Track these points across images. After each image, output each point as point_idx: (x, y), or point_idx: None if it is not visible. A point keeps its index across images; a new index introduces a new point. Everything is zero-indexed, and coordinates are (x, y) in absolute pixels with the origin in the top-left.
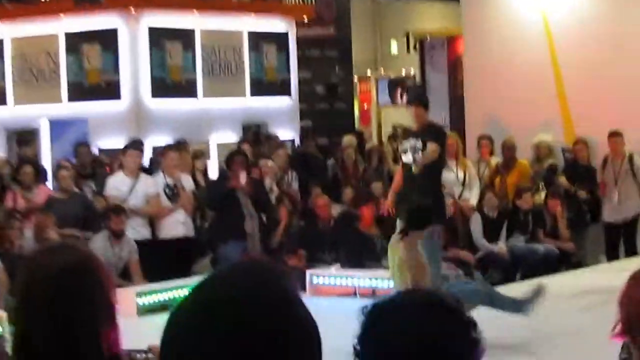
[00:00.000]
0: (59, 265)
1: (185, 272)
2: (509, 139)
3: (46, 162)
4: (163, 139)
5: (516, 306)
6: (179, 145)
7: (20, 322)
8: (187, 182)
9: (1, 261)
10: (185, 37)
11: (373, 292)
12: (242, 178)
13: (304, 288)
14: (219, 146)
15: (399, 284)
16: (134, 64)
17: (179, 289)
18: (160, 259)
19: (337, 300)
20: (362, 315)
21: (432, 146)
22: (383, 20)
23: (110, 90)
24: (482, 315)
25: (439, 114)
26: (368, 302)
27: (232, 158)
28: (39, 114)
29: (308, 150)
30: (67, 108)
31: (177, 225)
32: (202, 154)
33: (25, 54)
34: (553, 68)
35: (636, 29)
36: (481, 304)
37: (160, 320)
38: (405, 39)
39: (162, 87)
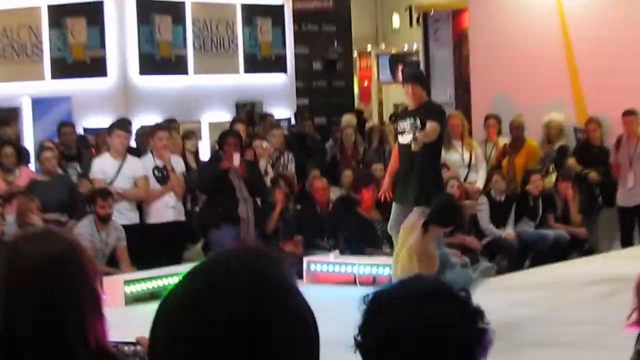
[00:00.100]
0: (42, 254)
1: (175, 259)
2: (517, 119)
3: (28, 143)
4: (152, 119)
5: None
6: (168, 125)
7: (2, 312)
8: (178, 163)
9: None
10: (175, 10)
11: (374, 280)
12: (236, 159)
13: (300, 276)
14: (211, 126)
15: (401, 271)
16: (121, 39)
17: (168, 277)
18: (149, 245)
19: (336, 289)
20: (363, 304)
21: (432, 124)
22: None
23: (96, 67)
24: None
25: (443, 92)
26: (369, 290)
27: (224, 138)
28: (20, 92)
29: (305, 130)
30: (50, 86)
31: (166, 209)
32: (193, 134)
33: (6, 28)
34: (564, 43)
35: None
36: None
37: (149, 309)
38: (407, 12)
39: (151, 63)
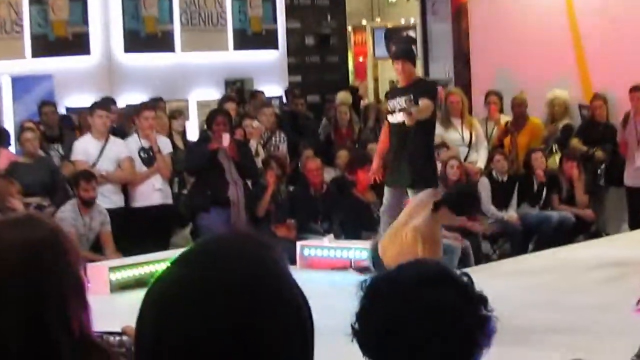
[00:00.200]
0: (23, 240)
1: (162, 244)
2: (519, 95)
3: (8, 123)
4: (137, 97)
5: None
6: (154, 104)
7: None
8: (165, 144)
9: None
10: None
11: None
12: (225, 140)
13: (294, 261)
14: (199, 104)
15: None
16: (105, 15)
17: (155, 264)
18: (135, 230)
19: (331, 275)
20: (361, 290)
21: (425, 102)
22: None
23: (79, 44)
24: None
25: (441, 68)
26: (367, 276)
27: (213, 118)
28: (0, 71)
29: (297, 109)
30: (30, 64)
31: (153, 192)
32: (181, 114)
33: None
34: (568, 14)
35: None
36: None
37: (135, 298)
38: None
39: (136, 40)
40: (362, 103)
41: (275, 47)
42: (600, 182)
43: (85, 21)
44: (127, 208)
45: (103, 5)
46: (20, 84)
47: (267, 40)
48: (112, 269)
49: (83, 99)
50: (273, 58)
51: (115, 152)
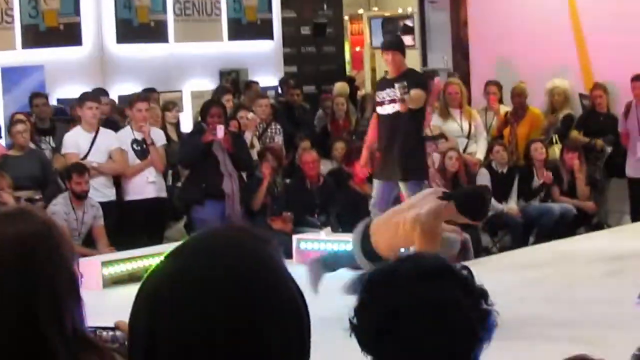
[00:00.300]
0: (15, 234)
1: (156, 238)
2: (519, 85)
3: None
4: (130, 89)
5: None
6: (147, 95)
7: None
8: (158, 136)
9: None
10: None
11: None
12: (219, 131)
13: (290, 255)
14: (193, 95)
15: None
16: (97, 5)
17: (149, 258)
18: (129, 224)
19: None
20: (359, 284)
21: (418, 92)
22: None
23: (70, 35)
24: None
25: (440, 58)
26: (365, 269)
27: (207, 109)
28: None
29: (293, 100)
30: (21, 55)
31: (146, 185)
32: (174, 105)
33: None
34: (569, 5)
35: None
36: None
37: (129, 292)
38: None
39: (129, 30)
40: (359, 94)
41: (271, 37)
42: (603, 174)
43: (76, 11)
44: (120, 201)
45: None
46: (11, 75)
47: (262, 30)
48: (105, 263)
49: (75, 91)
50: (268, 48)
51: (106, 143)
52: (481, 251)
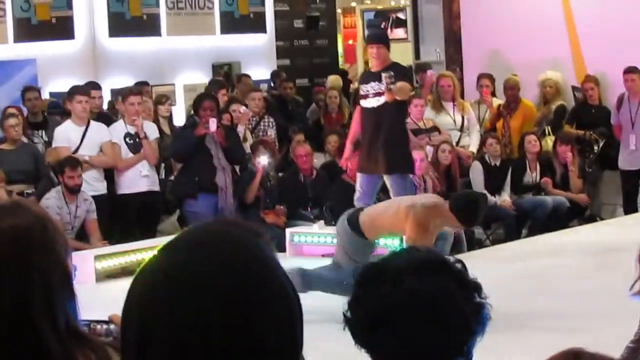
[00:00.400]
0: (9, 228)
1: (149, 232)
2: (511, 78)
3: None
4: (122, 82)
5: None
6: (139, 89)
7: None
8: (151, 130)
9: None
10: None
11: None
12: (212, 125)
13: (283, 248)
14: (186, 89)
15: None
16: None
17: (142, 251)
18: (122, 217)
19: (321, 262)
20: (353, 277)
21: (404, 84)
22: None
23: (62, 28)
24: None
25: (433, 50)
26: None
27: (200, 102)
28: None
29: (286, 93)
30: (13, 48)
31: (139, 178)
32: (167, 99)
33: None
34: None
35: None
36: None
37: (122, 286)
38: None
39: (121, 24)
40: (352, 87)
41: (264, 30)
42: (595, 166)
43: (69, 5)
44: (112, 195)
45: None
46: (3, 69)
47: (255, 24)
48: (98, 257)
49: (67, 84)
50: (261, 41)
51: (97, 137)
52: (474, 244)
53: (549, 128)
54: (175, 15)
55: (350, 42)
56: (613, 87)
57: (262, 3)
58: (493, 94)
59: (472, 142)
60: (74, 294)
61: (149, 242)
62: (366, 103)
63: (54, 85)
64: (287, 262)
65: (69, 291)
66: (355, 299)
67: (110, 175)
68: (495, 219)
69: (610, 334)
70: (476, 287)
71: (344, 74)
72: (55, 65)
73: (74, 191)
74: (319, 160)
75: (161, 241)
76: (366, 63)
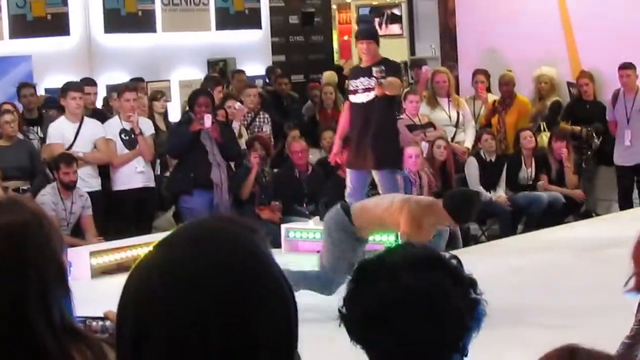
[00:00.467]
0: (5, 224)
1: (145, 228)
2: (506, 74)
3: None
4: (118, 78)
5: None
6: (134, 85)
7: None
8: (147, 126)
9: None
10: None
11: None
12: (207, 121)
13: (278, 244)
14: (181, 85)
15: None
16: None
17: (137, 248)
18: (117, 214)
19: (317, 258)
20: (349, 274)
21: (395, 79)
22: None
23: (58, 25)
24: (483, 274)
25: (428, 47)
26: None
27: (195, 98)
28: None
29: (281, 89)
30: (8, 45)
31: (135, 174)
32: (162, 95)
33: None
34: None
35: None
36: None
37: (117, 282)
38: None
39: (116, 20)
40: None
41: (259, 26)
42: (591, 162)
43: (64, 1)
44: (106, 191)
45: None
46: None
47: (250, 20)
48: (94, 253)
49: (62, 81)
50: (256, 38)
51: (91, 133)
52: (470, 240)
53: (544, 124)
54: (170, 11)
55: (346, 37)
56: (608, 83)
57: None
58: (488, 90)
59: (467, 138)
60: (69, 291)
61: (144, 238)
62: (355, 98)
63: (50, 81)
64: (283, 258)
65: (64, 288)
66: (351, 296)
67: (104, 171)
68: (490, 215)
69: (605, 329)
70: (472, 283)
71: (339, 69)
72: (51, 62)
73: (69, 187)
74: (314, 156)
75: (157, 237)
76: (361, 59)
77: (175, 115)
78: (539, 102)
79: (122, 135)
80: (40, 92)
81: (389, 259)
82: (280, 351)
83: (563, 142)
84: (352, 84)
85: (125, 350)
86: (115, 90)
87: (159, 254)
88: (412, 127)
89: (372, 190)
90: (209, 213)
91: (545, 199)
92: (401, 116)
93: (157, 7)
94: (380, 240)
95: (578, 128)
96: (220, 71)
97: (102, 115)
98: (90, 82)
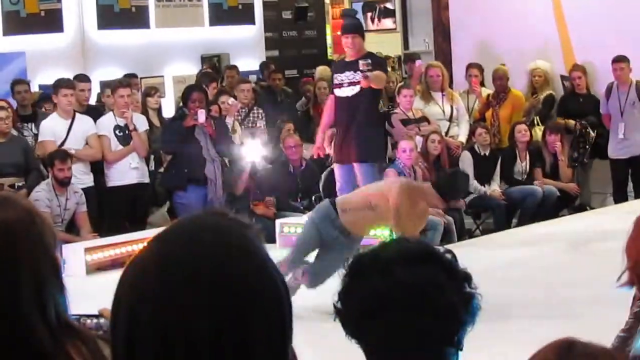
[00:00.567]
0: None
1: (139, 224)
2: (500, 68)
3: None
4: (112, 74)
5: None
6: (128, 81)
7: None
8: (140, 122)
9: None
10: None
11: None
12: (201, 116)
13: (273, 239)
14: (175, 80)
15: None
16: None
17: (132, 244)
18: (112, 210)
19: (312, 253)
20: (344, 268)
21: (380, 73)
22: None
23: (51, 21)
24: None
25: (421, 41)
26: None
27: (189, 94)
28: None
29: (275, 84)
30: (2, 42)
31: (129, 170)
32: (156, 91)
33: None
34: None
35: None
36: None
37: (112, 279)
38: None
39: (110, 16)
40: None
41: (252, 21)
42: (585, 155)
43: None
44: (99, 187)
45: None
46: None
47: (243, 15)
48: (88, 249)
49: (56, 77)
50: (250, 33)
51: (82, 130)
52: (464, 234)
53: (537, 118)
54: (164, 7)
55: (339, 32)
56: (602, 76)
57: None
58: (482, 84)
59: (461, 132)
60: (63, 287)
61: (138, 234)
62: (340, 92)
63: (44, 77)
64: (277, 253)
65: (59, 284)
66: (346, 290)
67: (96, 167)
68: (485, 209)
69: (601, 323)
70: (466, 277)
71: (333, 64)
72: (45, 58)
73: (63, 184)
74: (308, 151)
75: (151, 233)
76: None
77: (169, 111)
78: (532, 97)
79: (116, 132)
80: (34, 88)
81: (384, 254)
82: (274, 346)
83: (557, 135)
84: (337, 78)
85: (120, 346)
86: (109, 86)
87: (154, 249)
88: (406, 122)
89: None
90: (203, 208)
91: (540, 192)
92: (395, 110)
93: (151, 3)
94: (375, 235)
95: (572, 122)
96: (214, 67)
97: (96, 112)
98: (84, 78)
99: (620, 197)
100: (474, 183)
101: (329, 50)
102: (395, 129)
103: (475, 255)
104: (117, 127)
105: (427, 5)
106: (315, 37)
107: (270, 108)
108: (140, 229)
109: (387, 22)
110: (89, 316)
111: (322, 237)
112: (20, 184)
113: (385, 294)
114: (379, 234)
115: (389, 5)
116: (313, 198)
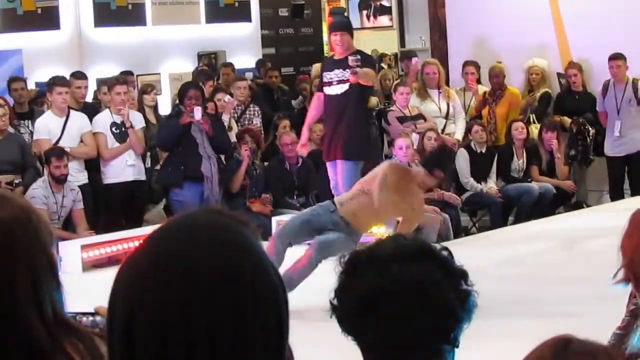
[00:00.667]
0: None
1: (135, 221)
2: (496, 66)
3: None
4: (108, 72)
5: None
6: (124, 78)
7: None
8: (137, 119)
9: None
10: None
11: None
12: (197, 113)
13: (269, 237)
14: (171, 78)
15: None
16: None
17: (128, 241)
18: (108, 207)
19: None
20: (340, 266)
21: (370, 70)
22: None
23: (48, 19)
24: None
25: (418, 38)
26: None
27: (185, 91)
28: None
29: (272, 82)
30: None
31: (125, 167)
32: (152, 88)
33: None
34: None
35: None
36: None
37: (108, 276)
38: None
39: (106, 13)
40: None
41: (249, 19)
42: (580, 153)
43: None
44: (96, 185)
45: None
46: None
47: (240, 13)
48: (85, 247)
49: (53, 74)
50: (246, 30)
51: (77, 127)
52: (460, 231)
53: (534, 116)
54: (160, 4)
55: (328, 30)
56: (598, 74)
57: None
58: (478, 82)
59: (457, 130)
60: (60, 284)
61: (135, 231)
62: (330, 90)
63: (40, 75)
64: None
65: (55, 282)
66: (342, 287)
67: (91, 165)
68: (481, 207)
69: (597, 320)
70: (462, 275)
71: (322, 62)
72: (41, 56)
73: (60, 181)
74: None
75: (147, 230)
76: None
77: (165, 109)
78: (528, 94)
79: (113, 129)
80: (31, 86)
81: (380, 251)
82: (272, 343)
83: (554, 133)
84: (327, 76)
85: (117, 344)
86: (105, 83)
87: (150, 247)
88: (402, 119)
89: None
90: (200, 206)
91: (536, 190)
92: (392, 108)
93: (147, 0)
94: (372, 232)
95: (568, 119)
96: (210, 64)
97: (93, 109)
98: (81, 75)
99: (616, 194)
100: (470, 180)
101: (326, 48)
102: (391, 126)
103: (472, 253)
104: (113, 124)
105: (423, 2)
106: (311, 35)
107: (267, 106)
108: (136, 226)
109: (384, 20)
110: (84, 314)
111: (321, 222)
112: (17, 182)
113: (381, 291)
114: (376, 231)
115: (385, 3)
116: (310, 195)
